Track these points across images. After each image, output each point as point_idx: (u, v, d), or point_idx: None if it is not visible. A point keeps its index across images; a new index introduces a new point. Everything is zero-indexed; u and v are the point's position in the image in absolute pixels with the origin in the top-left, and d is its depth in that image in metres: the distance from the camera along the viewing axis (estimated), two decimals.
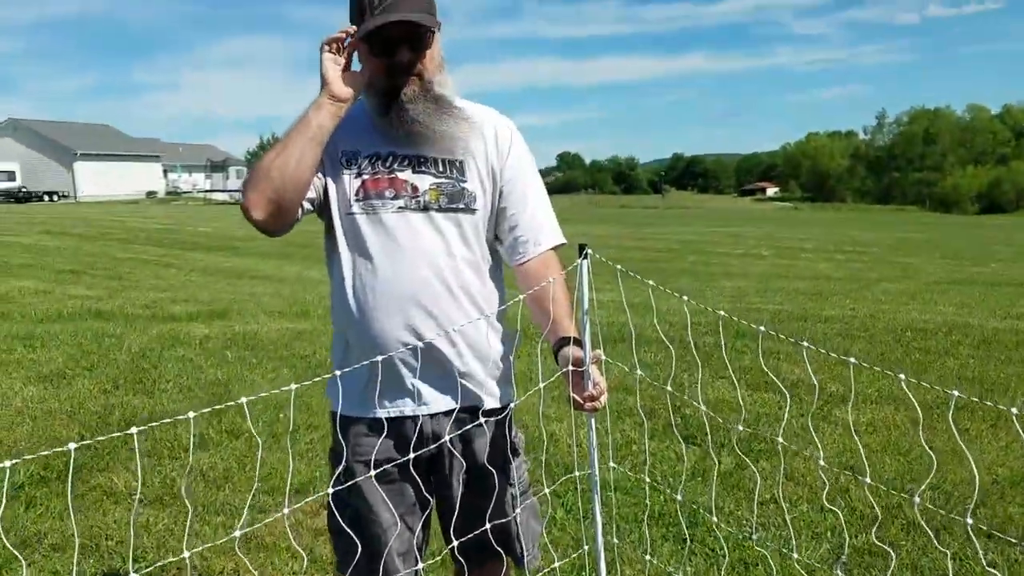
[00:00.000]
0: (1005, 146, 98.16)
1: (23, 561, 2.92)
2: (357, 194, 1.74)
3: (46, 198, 51.79)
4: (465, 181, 1.77)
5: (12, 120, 60.06)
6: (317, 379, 1.75)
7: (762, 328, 1.55)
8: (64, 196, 54.35)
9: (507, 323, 1.91)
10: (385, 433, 1.75)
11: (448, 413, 1.79)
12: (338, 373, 1.64)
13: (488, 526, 1.83)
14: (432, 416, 1.79)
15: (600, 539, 2.00)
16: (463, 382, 1.78)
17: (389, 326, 1.72)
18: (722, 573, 2.87)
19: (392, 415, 1.77)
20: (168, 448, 4.11)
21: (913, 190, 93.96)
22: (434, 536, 1.98)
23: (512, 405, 1.89)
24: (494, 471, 1.82)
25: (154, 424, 1.28)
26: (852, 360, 1.42)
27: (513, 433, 1.90)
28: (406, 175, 1.74)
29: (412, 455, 1.70)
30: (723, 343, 6.23)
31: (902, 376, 1.39)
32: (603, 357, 1.75)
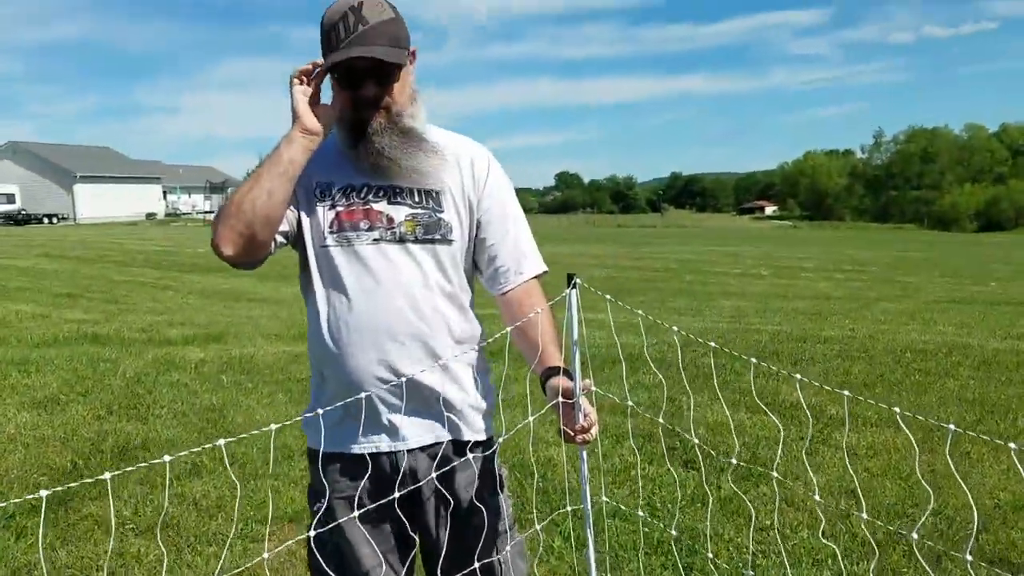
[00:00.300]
0: (1002, 165, 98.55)
1: None
2: (331, 226, 1.71)
3: (45, 220, 51.98)
4: (442, 211, 1.74)
5: (12, 143, 60.29)
6: (298, 418, 1.72)
7: (754, 360, 1.52)
8: (64, 218, 54.54)
9: (487, 356, 1.87)
10: (364, 469, 1.71)
11: (425, 448, 1.75)
12: (320, 411, 1.59)
13: (477, 565, 1.78)
14: (410, 451, 1.74)
15: (594, 574, 1.95)
16: (447, 415, 1.75)
17: (364, 361, 1.68)
18: None
19: (368, 451, 1.73)
20: (161, 477, 4.07)
21: (911, 208, 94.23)
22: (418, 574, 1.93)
23: (500, 440, 1.85)
24: (478, 507, 1.77)
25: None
26: (847, 393, 1.40)
27: (497, 467, 1.85)
28: (381, 206, 1.71)
29: (396, 495, 1.65)
30: (714, 368, 6.20)
31: (897, 409, 1.36)
32: (594, 388, 1.72)
